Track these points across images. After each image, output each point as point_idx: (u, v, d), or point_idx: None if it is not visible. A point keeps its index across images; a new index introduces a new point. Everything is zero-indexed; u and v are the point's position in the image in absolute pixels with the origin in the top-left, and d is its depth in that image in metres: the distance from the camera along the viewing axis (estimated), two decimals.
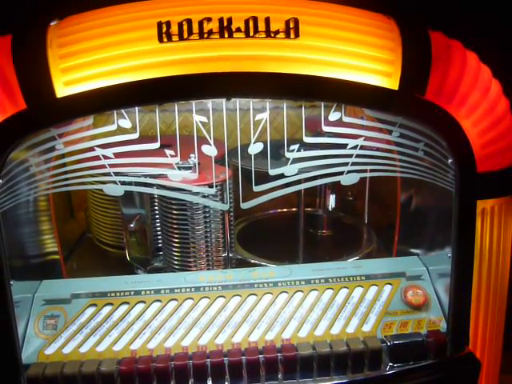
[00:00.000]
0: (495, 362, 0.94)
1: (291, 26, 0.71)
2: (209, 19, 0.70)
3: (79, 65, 0.72)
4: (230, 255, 1.06)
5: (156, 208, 1.11)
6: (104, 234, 1.23)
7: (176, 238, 1.05)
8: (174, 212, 1.03)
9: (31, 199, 0.89)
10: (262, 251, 1.11)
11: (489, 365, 0.92)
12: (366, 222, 1.32)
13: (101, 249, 1.23)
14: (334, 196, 1.33)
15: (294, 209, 1.31)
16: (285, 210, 1.40)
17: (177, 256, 1.05)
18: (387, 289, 0.94)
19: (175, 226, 1.03)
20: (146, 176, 0.86)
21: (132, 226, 1.11)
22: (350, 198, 1.38)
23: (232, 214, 1.07)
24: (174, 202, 1.02)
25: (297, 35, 0.72)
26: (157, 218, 1.12)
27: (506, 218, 0.87)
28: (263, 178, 0.86)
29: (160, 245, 1.13)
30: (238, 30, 0.70)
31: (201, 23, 0.69)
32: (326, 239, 1.29)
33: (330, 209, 1.32)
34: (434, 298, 0.92)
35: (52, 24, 0.76)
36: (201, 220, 1.02)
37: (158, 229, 1.12)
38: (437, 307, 0.91)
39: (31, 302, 0.89)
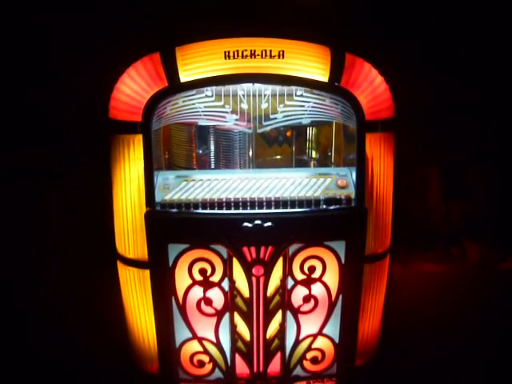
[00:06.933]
0: (383, 215, 1.88)
1: (281, 53, 1.68)
2: (245, 50, 1.67)
3: (190, 68, 1.69)
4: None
5: (211, 144, 2.09)
6: (179, 160, 2.19)
7: (224, 158, 2.03)
8: (224, 143, 2.02)
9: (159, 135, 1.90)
10: None
11: (377, 215, 1.86)
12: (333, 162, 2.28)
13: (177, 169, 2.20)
14: (318, 152, 2.28)
15: None
16: None
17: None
18: (329, 179, 1.87)
19: (224, 151, 2.01)
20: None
21: (200, 152, 2.10)
22: (329, 154, 2.35)
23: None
24: (223, 137, 2.00)
25: (283, 57, 1.68)
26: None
27: (382, 143, 1.82)
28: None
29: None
30: (258, 55, 1.66)
31: (242, 52, 1.66)
32: None
33: (316, 157, 2.26)
34: (351, 184, 1.87)
35: (177, 47, 1.74)
36: (236, 146, 2.00)
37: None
38: (352, 189, 1.87)
39: (156, 179, 1.87)
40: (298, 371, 1.96)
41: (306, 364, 1.95)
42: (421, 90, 2.46)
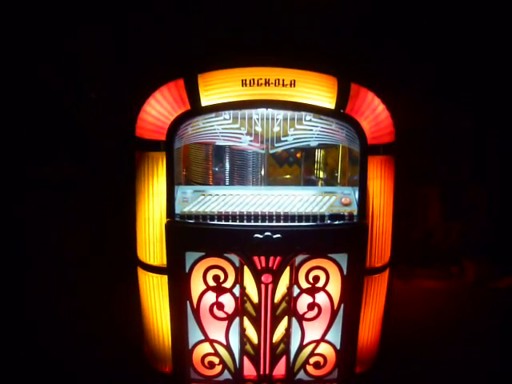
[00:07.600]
0: (383, 232, 2.04)
1: (292, 82, 1.87)
2: (260, 79, 1.86)
3: (210, 93, 1.88)
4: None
5: (227, 162, 2.27)
6: (197, 177, 2.38)
7: (238, 176, 2.21)
8: (238, 162, 2.20)
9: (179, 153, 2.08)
10: None
11: (377, 231, 2.03)
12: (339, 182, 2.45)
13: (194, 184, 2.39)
14: (325, 173, 2.46)
15: None
16: None
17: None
18: (333, 197, 2.04)
19: (239, 169, 2.19)
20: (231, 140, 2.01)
21: (216, 169, 2.29)
22: (336, 175, 2.52)
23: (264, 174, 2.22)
24: (237, 157, 2.18)
25: (295, 86, 1.87)
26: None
27: (383, 165, 1.99)
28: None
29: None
30: (272, 83, 1.85)
31: (258, 80, 1.85)
32: None
33: (323, 178, 2.44)
34: (354, 202, 2.04)
35: (199, 74, 1.93)
36: (250, 165, 2.18)
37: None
38: (355, 206, 2.03)
39: (176, 193, 2.05)
40: (301, 375, 2.10)
41: (309, 368, 2.09)
42: (422, 113, 2.65)
